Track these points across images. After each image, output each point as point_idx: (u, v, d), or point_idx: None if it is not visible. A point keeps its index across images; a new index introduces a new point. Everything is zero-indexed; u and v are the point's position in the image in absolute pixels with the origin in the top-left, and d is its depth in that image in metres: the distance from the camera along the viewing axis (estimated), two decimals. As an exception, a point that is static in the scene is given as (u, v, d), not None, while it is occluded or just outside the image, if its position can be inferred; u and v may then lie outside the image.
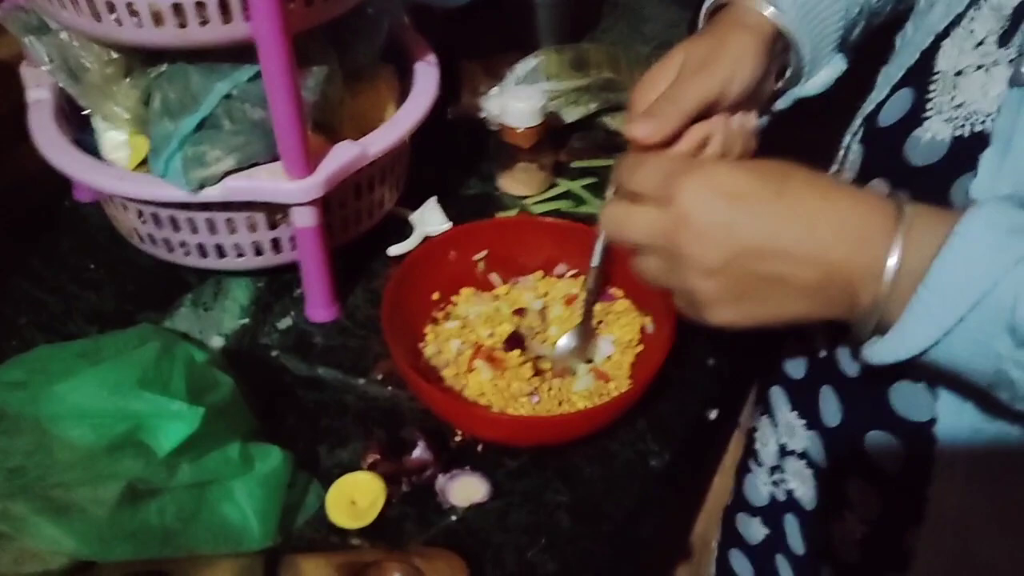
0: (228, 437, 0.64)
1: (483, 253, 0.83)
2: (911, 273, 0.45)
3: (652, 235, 0.52)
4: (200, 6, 0.67)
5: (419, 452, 0.71)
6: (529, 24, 1.18)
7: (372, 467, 0.70)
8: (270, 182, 0.75)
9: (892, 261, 0.46)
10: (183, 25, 0.68)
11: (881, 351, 0.47)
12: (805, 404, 0.70)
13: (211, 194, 0.75)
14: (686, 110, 0.60)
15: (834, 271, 0.48)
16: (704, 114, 0.62)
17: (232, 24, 0.68)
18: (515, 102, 0.93)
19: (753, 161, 0.51)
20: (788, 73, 0.68)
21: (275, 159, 0.75)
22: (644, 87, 0.64)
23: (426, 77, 0.89)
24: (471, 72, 1.10)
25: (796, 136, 0.87)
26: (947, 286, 0.44)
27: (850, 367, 0.64)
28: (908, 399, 0.59)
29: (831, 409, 0.66)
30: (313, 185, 0.74)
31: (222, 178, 0.75)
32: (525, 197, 0.99)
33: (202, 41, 0.69)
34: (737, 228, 0.49)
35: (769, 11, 0.63)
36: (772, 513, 0.77)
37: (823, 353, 0.67)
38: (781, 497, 0.75)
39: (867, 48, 0.72)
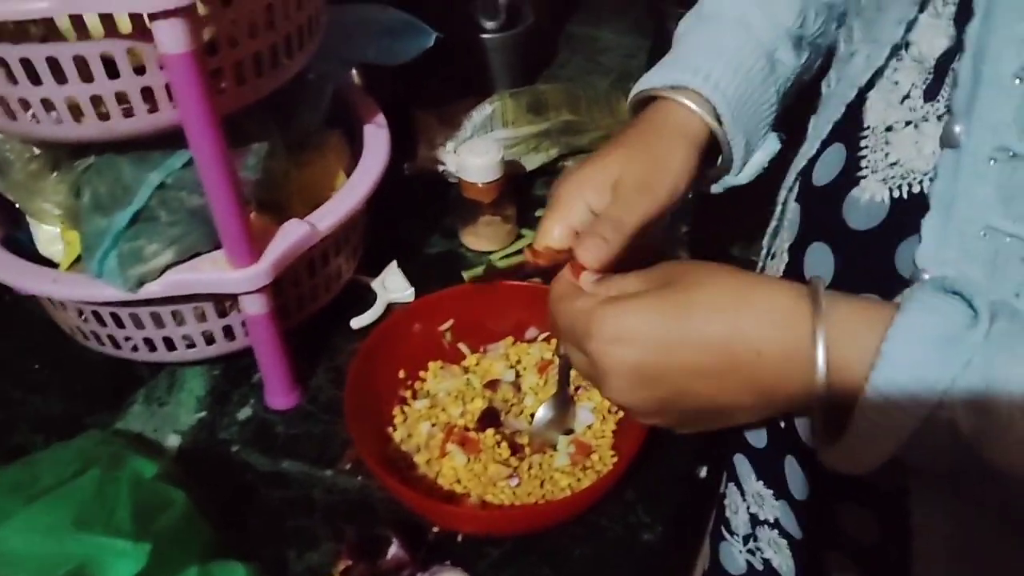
0: (184, 561, 0.59)
1: (449, 323, 0.79)
2: (841, 369, 0.43)
3: (588, 376, 0.53)
4: (122, 97, 0.63)
5: (394, 551, 0.66)
6: (483, 69, 1.14)
7: (345, 573, 0.65)
8: (214, 273, 0.70)
9: (820, 362, 0.43)
10: (105, 117, 0.63)
11: (834, 463, 0.45)
12: (770, 474, 0.66)
13: (152, 291, 0.70)
14: (629, 235, 0.56)
15: (764, 387, 0.46)
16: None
17: (158, 113, 0.64)
18: (472, 157, 0.89)
19: (658, 292, 0.49)
20: (719, 163, 0.65)
21: (218, 247, 0.70)
22: (570, 192, 0.59)
23: (376, 140, 0.85)
24: (426, 124, 1.06)
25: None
26: (881, 416, 0.41)
27: (811, 438, 0.60)
28: (876, 470, 0.55)
29: (797, 480, 0.62)
30: (260, 272, 0.70)
31: (162, 272, 0.70)
32: (490, 252, 0.95)
33: (127, 132, 0.65)
34: (658, 380, 0.48)
35: (703, 113, 0.60)
36: (749, 582, 0.73)
37: (783, 423, 0.63)
38: (759, 566, 0.71)
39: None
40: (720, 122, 0.60)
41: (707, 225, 0.96)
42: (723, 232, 0.96)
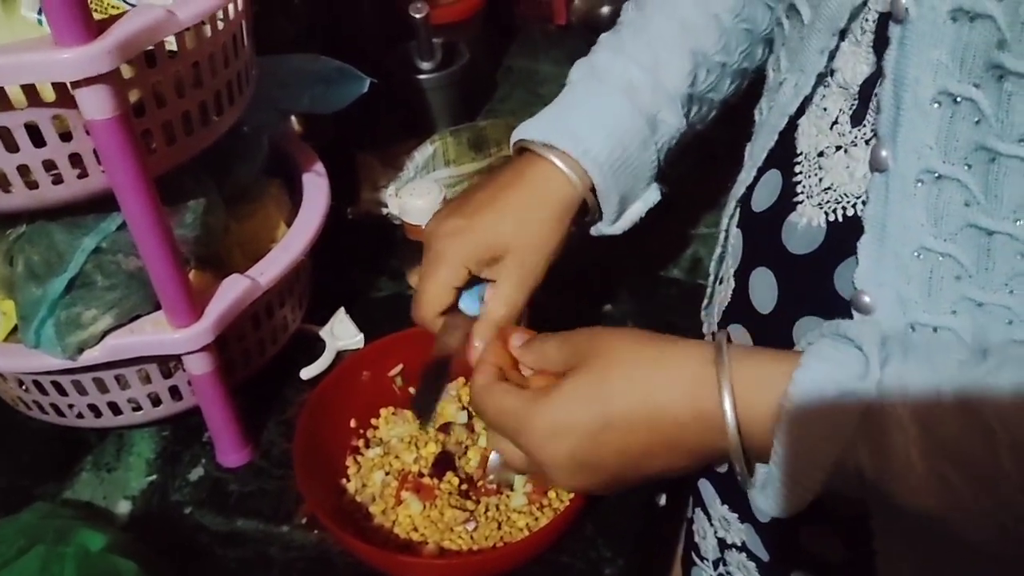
0: (136, 634, 0.58)
1: (398, 368, 0.78)
2: (751, 422, 0.45)
3: (525, 466, 0.54)
4: (49, 164, 0.62)
5: (354, 605, 0.65)
6: (423, 109, 1.14)
7: (305, 631, 0.64)
8: (155, 335, 0.69)
9: (729, 420, 0.45)
10: (34, 186, 0.62)
11: (763, 508, 0.46)
12: (734, 498, 0.67)
13: (92, 357, 0.69)
14: (521, 301, 0.64)
15: (691, 449, 0.48)
16: None
17: (88, 178, 0.63)
18: (413, 199, 0.89)
19: (576, 379, 0.50)
20: (592, 224, 0.69)
21: (158, 308, 0.69)
22: (451, 258, 0.63)
23: (315, 188, 0.85)
24: (368, 167, 1.06)
25: (690, 205, 0.85)
26: (790, 467, 0.43)
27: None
28: (834, 493, 0.56)
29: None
30: (201, 331, 0.69)
31: (102, 338, 0.69)
32: (439, 293, 0.95)
33: (58, 199, 0.64)
34: (595, 466, 0.50)
35: (576, 179, 0.64)
36: (725, 606, 0.73)
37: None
38: None
39: (733, 117, 0.70)
40: (596, 188, 0.64)
41: (648, 251, 0.97)
42: (664, 255, 0.97)
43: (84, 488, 0.78)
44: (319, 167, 0.87)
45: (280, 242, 0.79)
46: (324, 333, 0.90)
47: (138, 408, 0.77)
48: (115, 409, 0.76)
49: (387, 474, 0.72)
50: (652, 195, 0.67)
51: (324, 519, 0.65)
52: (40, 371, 0.71)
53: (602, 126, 0.64)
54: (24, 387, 0.75)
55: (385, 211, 1.02)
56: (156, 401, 0.77)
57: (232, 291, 0.72)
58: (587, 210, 0.66)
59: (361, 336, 0.89)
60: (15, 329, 0.74)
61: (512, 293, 0.63)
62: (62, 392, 0.74)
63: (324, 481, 0.71)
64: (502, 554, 0.65)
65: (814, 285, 0.52)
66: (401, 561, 0.64)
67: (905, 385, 0.40)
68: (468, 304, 0.65)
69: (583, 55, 0.71)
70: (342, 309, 0.91)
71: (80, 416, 0.77)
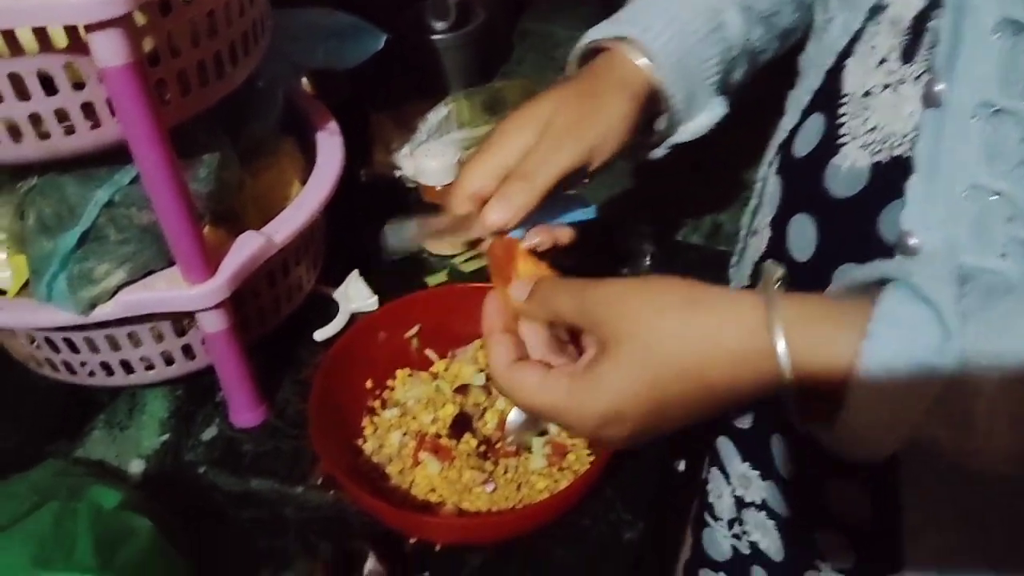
0: (151, 592, 0.57)
1: (415, 329, 0.77)
2: (805, 361, 0.42)
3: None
4: (62, 114, 0.60)
5: (371, 566, 0.64)
6: (437, 70, 1.12)
7: (321, 591, 0.64)
8: (168, 291, 0.68)
9: (783, 359, 0.42)
10: (46, 136, 0.61)
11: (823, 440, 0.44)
12: (756, 454, 0.66)
13: (104, 313, 0.68)
14: (542, 191, 0.55)
15: (739, 393, 0.45)
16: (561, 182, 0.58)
17: (101, 128, 0.62)
18: (428, 161, 0.88)
19: (618, 357, 0.46)
20: (662, 125, 0.64)
21: (172, 263, 0.68)
22: (500, 134, 0.58)
23: (330, 146, 0.83)
24: (381, 128, 1.04)
25: (708, 166, 0.83)
26: (856, 438, 0.41)
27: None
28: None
29: (784, 459, 0.62)
30: (216, 288, 0.68)
31: (114, 293, 0.68)
32: (453, 256, 0.93)
33: (70, 150, 0.62)
34: (652, 433, 0.47)
35: (642, 62, 0.60)
36: (737, 567, 0.72)
37: (768, 402, 0.63)
38: (745, 550, 0.70)
39: (777, 69, 0.68)
40: (660, 74, 0.60)
41: (667, 216, 0.95)
42: (684, 220, 0.96)
43: (96, 447, 0.77)
44: (333, 125, 0.85)
45: (295, 200, 0.77)
46: (338, 295, 0.88)
47: (151, 367, 0.76)
48: (127, 367, 0.75)
49: (404, 435, 0.71)
50: (718, 108, 0.64)
51: (341, 478, 0.63)
52: (52, 327, 0.70)
53: (668, 15, 0.61)
54: (36, 344, 0.74)
55: (398, 173, 1.00)
56: (169, 360, 0.76)
57: (247, 247, 0.70)
58: (656, 109, 0.63)
59: (375, 298, 0.88)
60: (26, 284, 0.73)
61: (537, 164, 0.55)
62: (74, 349, 0.73)
63: (340, 441, 0.70)
64: (521, 516, 0.64)
65: (856, 229, 0.50)
66: (420, 521, 0.63)
67: (988, 351, 0.38)
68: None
69: (600, 19, 0.69)
70: (356, 271, 0.90)
71: (92, 374, 0.76)
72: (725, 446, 0.69)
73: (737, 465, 0.67)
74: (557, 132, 0.56)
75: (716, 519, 0.72)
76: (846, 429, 0.41)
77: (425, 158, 0.88)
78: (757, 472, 0.66)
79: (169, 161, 0.61)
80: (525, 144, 0.57)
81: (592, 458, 0.69)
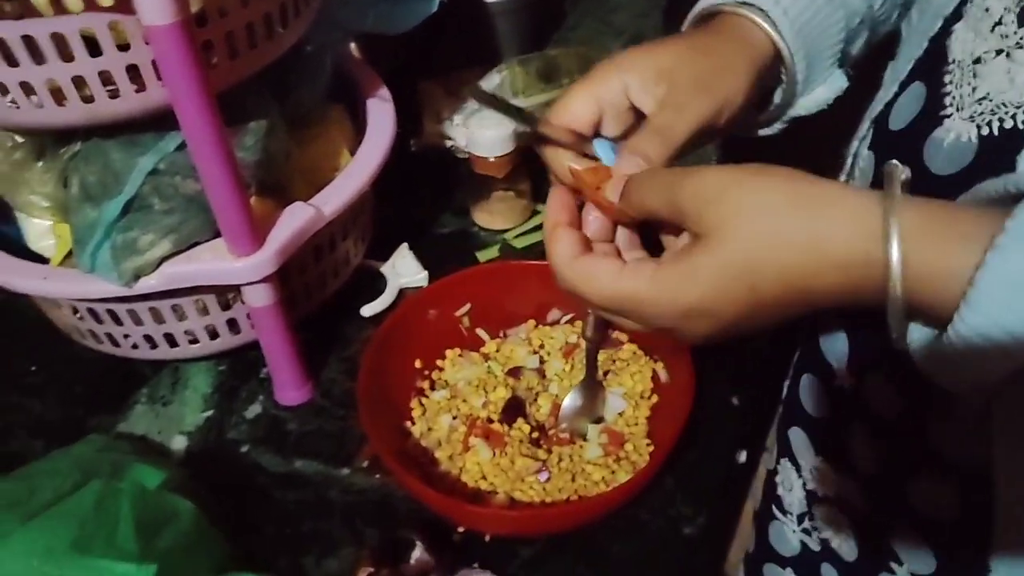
0: (194, 576, 0.55)
1: (466, 307, 0.74)
2: (920, 273, 0.38)
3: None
4: (106, 76, 0.58)
5: (418, 555, 0.62)
6: (489, 36, 1.08)
7: (367, 579, 0.61)
8: (214, 263, 0.65)
9: (895, 266, 0.38)
10: (90, 100, 0.58)
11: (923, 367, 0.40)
12: (832, 447, 0.62)
13: (148, 285, 0.66)
14: (678, 147, 0.51)
15: (839, 296, 0.41)
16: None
17: (146, 92, 0.59)
18: (482, 130, 0.84)
19: (710, 253, 0.42)
20: (779, 97, 0.59)
21: (218, 235, 0.66)
22: (608, 69, 0.53)
23: (381, 114, 0.80)
24: (431, 96, 1.01)
25: (797, 140, 0.78)
26: (966, 362, 0.37)
27: (883, 406, 0.55)
28: (956, 440, 0.51)
29: (865, 454, 0.58)
30: (263, 261, 0.65)
31: (159, 265, 0.66)
32: (505, 230, 0.90)
33: (114, 115, 0.60)
34: (735, 330, 0.44)
35: (765, 26, 0.54)
36: (805, 564, 0.68)
37: (848, 390, 0.59)
38: (815, 547, 0.67)
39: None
40: (783, 40, 0.55)
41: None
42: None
43: (139, 421, 0.75)
44: (384, 92, 0.82)
45: (344, 170, 0.74)
46: (386, 269, 0.85)
47: (195, 340, 0.74)
48: (171, 341, 0.73)
49: (454, 418, 0.68)
50: (838, 80, 0.60)
51: (389, 461, 0.61)
52: (94, 298, 0.68)
53: None
54: (79, 315, 0.72)
55: (450, 143, 0.97)
56: (213, 334, 0.74)
57: (295, 219, 0.68)
58: (772, 81, 0.59)
59: (425, 273, 0.85)
60: (70, 254, 0.71)
61: (672, 118, 0.50)
62: (117, 321, 0.71)
63: (388, 423, 0.67)
64: (576, 509, 0.61)
65: None
66: (470, 511, 0.60)
67: None
68: (603, 152, 0.53)
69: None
70: (405, 245, 0.87)
71: (135, 347, 0.74)
72: (797, 437, 0.65)
73: (810, 458, 0.64)
74: (686, 84, 0.52)
75: (785, 513, 0.69)
76: (954, 350, 0.37)
77: (478, 128, 0.84)
78: (832, 465, 0.62)
79: (216, 128, 0.58)
80: (637, 90, 0.52)
81: (651, 448, 0.66)
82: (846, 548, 0.63)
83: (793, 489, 0.67)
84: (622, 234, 0.52)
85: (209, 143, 0.59)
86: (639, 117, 0.54)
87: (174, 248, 0.66)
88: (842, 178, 0.61)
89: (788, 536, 0.69)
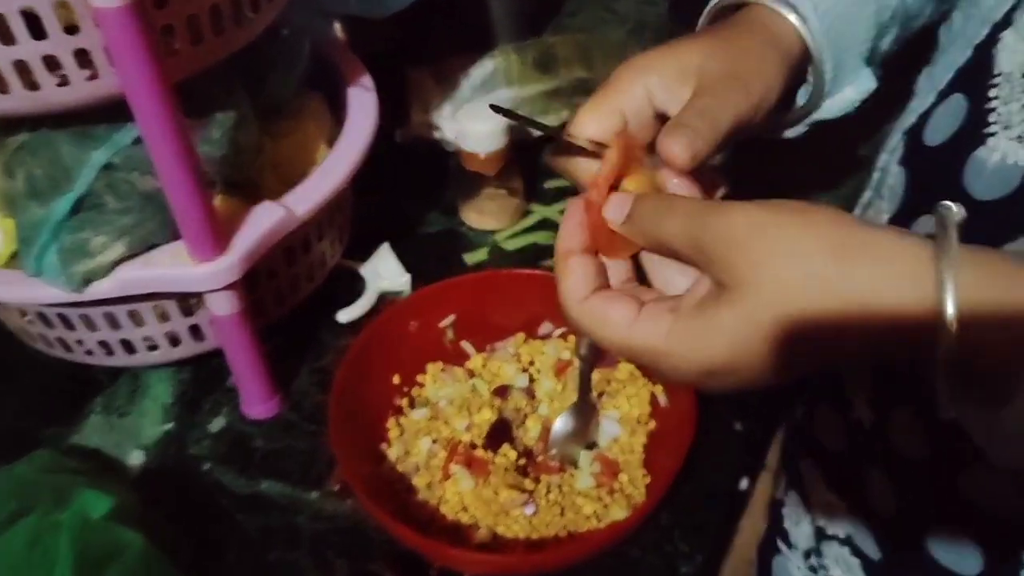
0: (140, 621, 0.50)
1: (450, 318, 0.68)
2: (974, 326, 0.32)
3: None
4: (53, 62, 0.51)
5: (391, 592, 0.57)
6: (483, 19, 1.02)
7: (334, 619, 0.56)
8: (173, 268, 0.60)
9: (950, 312, 0.32)
10: (35, 87, 0.52)
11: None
12: (846, 484, 0.57)
13: (101, 290, 0.60)
14: (723, 132, 0.45)
15: (878, 351, 0.36)
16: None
17: (98, 80, 0.53)
18: (473, 123, 0.78)
19: (737, 310, 0.36)
20: (803, 98, 0.53)
21: (178, 237, 0.60)
22: (628, 74, 0.48)
23: (363, 104, 0.74)
24: (419, 84, 0.95)
25: (811, 150, 0.72)
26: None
27: (909, 447, 0.50)
28: (990, 490, 0.46)
29: (883, 495, 0.53)
30: (226, 267, 0.59)
31: (112, 268, 0.60)
32: (496, 231, 0.84)
33: (63, 104, 0.54)
34: (759, 382, 0.38)
35: (793, 18, 0.49)
36: (809, 602, 0.64)
37: (869, 426, 0.54)
38: None
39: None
40: (811, 35, 0.50)
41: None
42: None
43: (93, 433, 0.70)
44: (367, 80, 0.76)
45: (321, 165, 0.68)
46: (365, 271, 0.80)
47: (154, 347, 0.68)
48: (128, 347, 0.67)
49: (434, 442, 0.63)
50: (867, 81, 0.54)
51: (360, 492, 0.55)
52: (42, 303, 0.62)
53: None
54: (27, 318, 0.66)
55: (437, 136, 0.91)
56: (175, 340, 0.68)
57: (264, 221, 0.62)
58: (798, 80, 0.53)
59: (407, 276, 0.79)
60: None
61: (711, 103, 0.45)
62: (69, 326, 0.65)
63: (361, 445, 0.62)
64: (564, 552, 0.55)
65: (1006, 239, 0.41)
66: (448, 552, 0.55)
67: None
68: None
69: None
70: (386, 245, 0.81)
71: (90, 353, 0.68)
72: (809, 470, 0.60)
73: (822, 492, 0.59)
74: (718, 78, 0.46)
75: (791, 547, 0.64)
76: (1017, 426, 0.32)
77: (469, 120, 0.79)
78: (845, 503, 0.57)
79: (175, 120, 0.52)
80: (661, 95, 0.47)
81: (648, 480, 0.60)
82: None
83: (801, 524, 0.62)
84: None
85: (167, 137, 0.53)
86: None
87: (129, 251, 0.60)
88: (867, 194, 0.55)
89: (792, 572, 0.64)
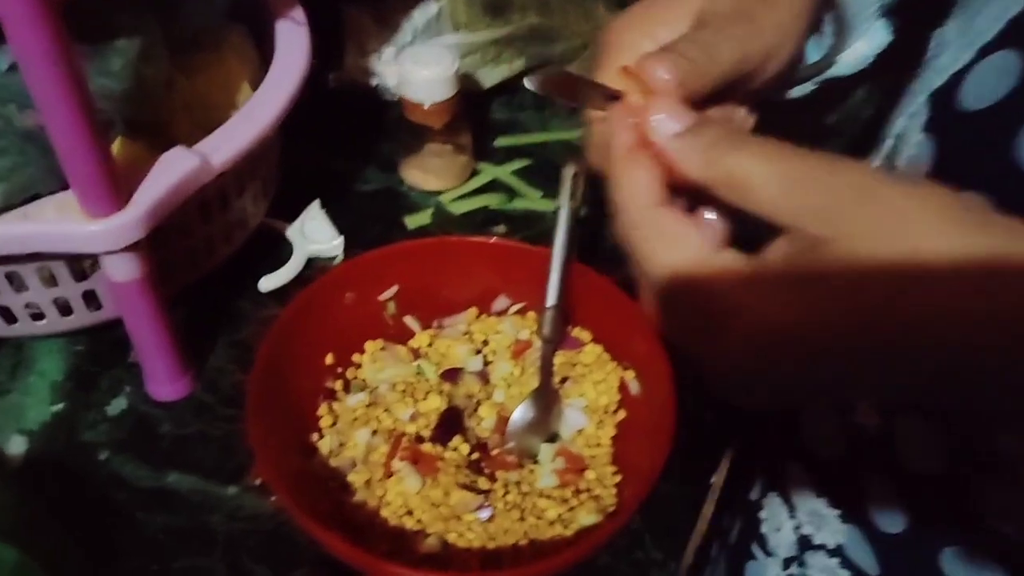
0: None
1: (392, 290, 0.59)
2: None
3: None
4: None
5: (322, 609, 0.49)
6: (426, -44, 0.92)
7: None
8: (60, 225, 0.49)
9: None
10: None
11: None
12: (840, 492, 0.51)
13: (-32, 248, 0.49)
14: (721, 64, 0.38)
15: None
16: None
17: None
18: (418, 69, 0.69)
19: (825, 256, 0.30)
20: (815, 51, 0.47)
21: (65, 186, 0.49)
22: (628, 27, 0.42)
23: (293, 41, 0.64)
24: (357, 24, 0.85)
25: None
26: None
27: (917, 457, 0.44)
28: (1013, 510, 0.40)
29: (887, 509, 0.47)
30: (127, 224, 0.49)
31: (-16, 222, 0.49)
32: (440, 192, 0.76)
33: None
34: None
35: None
36: (787, 612, 0.58)
37: (873, 431, 0.47)
38: None
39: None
40: None
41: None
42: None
43: (-36, 415, 0.59)
44: (298, 14, 0.66)
45: (242, 108, 0.59)
46: (292, 232, 0.70)
47: (39, 316, 0.58)
48: (7, 316, 0.57)
49: (374, 433, 0.54)
50: (880, 33, 0.49)
51: (282, 489, 0.46)
52: None
53: None
54: None
55: (376, 82, 0.81)
56: (65, 309, 0.58)
57: (174, 170, 0.52)
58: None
59: (340, 239, 0.70)
60: None
61: (712, 36, 0.39)
62: (-67, 289, 0.54)
63: (287, 435, 0.53)
64: (524, 571, 0.47)
65: None
66: (388, 569, 0.46)
67: None
68: None
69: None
70: (317, 203, 0.72)
71: (-40, 321, 0.57)
72: (796, 473, 0.54)
73: (810, 499, 0.53)
74: (722, 16, 0.39)
75: (768, 554, 0.58)
76: None
77: (412, 66, 0.69)
78: (837, 512, 0.51)
79: (59, 42, 0.42)
80: (663, 40, 0.40)
81: (618, 478, 0.53)
82: None
83: (782, 530, 0.56)
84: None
85: (49, 65, 0.43)
86: None
87: (5, 201, 0.50)
88: (876, 164, 0.48)
89: None
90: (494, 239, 0.61)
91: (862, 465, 0.48)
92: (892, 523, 0.47)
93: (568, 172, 0.60)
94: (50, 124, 0.45)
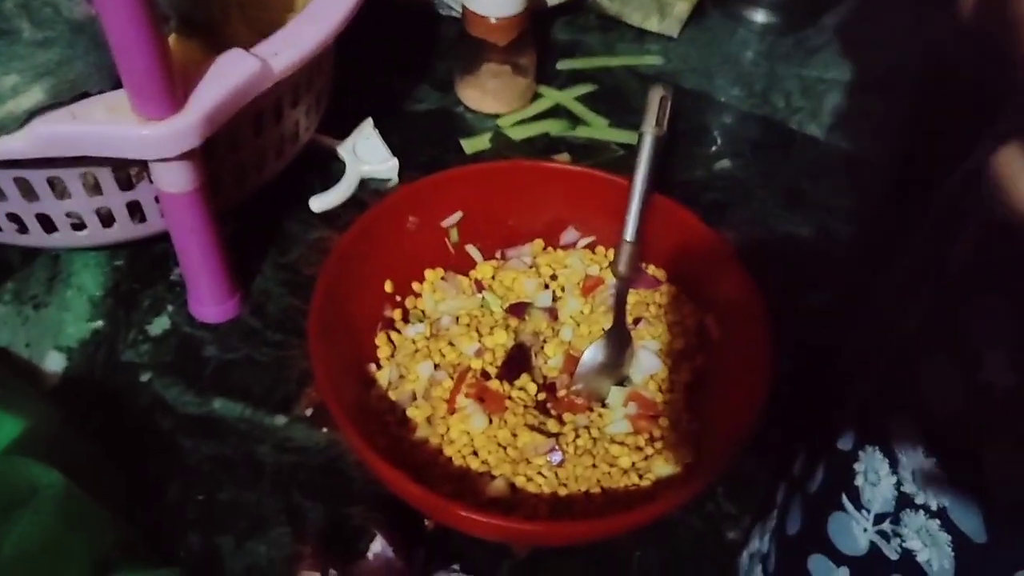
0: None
1: (455, 216, 0.56)
2: None
3: None
4: None
5: (377, 550, 0.46)
6: None
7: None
8: (110, 126, 0.45)
9: None
10: None
11: None
12: (954, 454, 0.47)
13: (12, 148, 0.45)
14: None
15: None
16: None
17: None
18: (486, -21, 0.64)
19: None
20: None
21: (118, 85, 0.45)
22: None
23: (355, -59, 0.59)
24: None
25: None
26: None
27: None
28: None
29: (1010, 477, 0.43)
30: (183, 129, 0.45)
31: (28, 120, 0.45)
32: (498, 115, 0.71)
33: None
34: None
35: None
36: (872, 570, 0.55)
37: (1004, 391, 0.43)
38: (892, 555, 0.53)
39: None
40: None
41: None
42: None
43: (1, 327, 0.56)
44: (361, -88, 0.60)
45: (306, 10, 0.54)
46: (344, 150, 0.66)
47: (80, 226, 0.54)
48: (47, 224, 0.53)
49: (436, 367, 0.51)
50: None
51: (343, 419, 0.43)
52: (-68, 159, 0.47)
53: None
54: (-88, 178, 0.51)
55: (434, -4, 0.76)
56: (108, 219, 0.54)
57: (233, 73, 0.48)
58: None
59: (394, 161, 0.66)
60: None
61: None
62: (-32, 193, 0.51)
63: (345, 364, 0.49)
64: (601, 525, 0.44)
65: None
66: (452, 510, 0.43)
67: None
68: None
69: None
70: (369, 121, 0.67)
71: (-3, 228, 0.54)
72: (905, 429, 0.50)
73: (917, 456, 0.49)
74: None
75: (858, 507, 0.54)
76: None
77: (478, -24, 0.65)
78: (948, 474, 0.47)
79: (120, -81, 0.38)
80: None
81: (695, 428, 0.50)
82: (936, 568, 0.49)
83: (880, 485, 0.53)
84: None
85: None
86: None
87: (51, 98, 0.45)
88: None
89: (855, 533, 0.55)
90: (566, 165, 0.57)
91: (985, 428, 0.44)
92: (1015, 494, 0.43)
93: (654, 95, 0.56)
94: (104, 14, 0.41)
